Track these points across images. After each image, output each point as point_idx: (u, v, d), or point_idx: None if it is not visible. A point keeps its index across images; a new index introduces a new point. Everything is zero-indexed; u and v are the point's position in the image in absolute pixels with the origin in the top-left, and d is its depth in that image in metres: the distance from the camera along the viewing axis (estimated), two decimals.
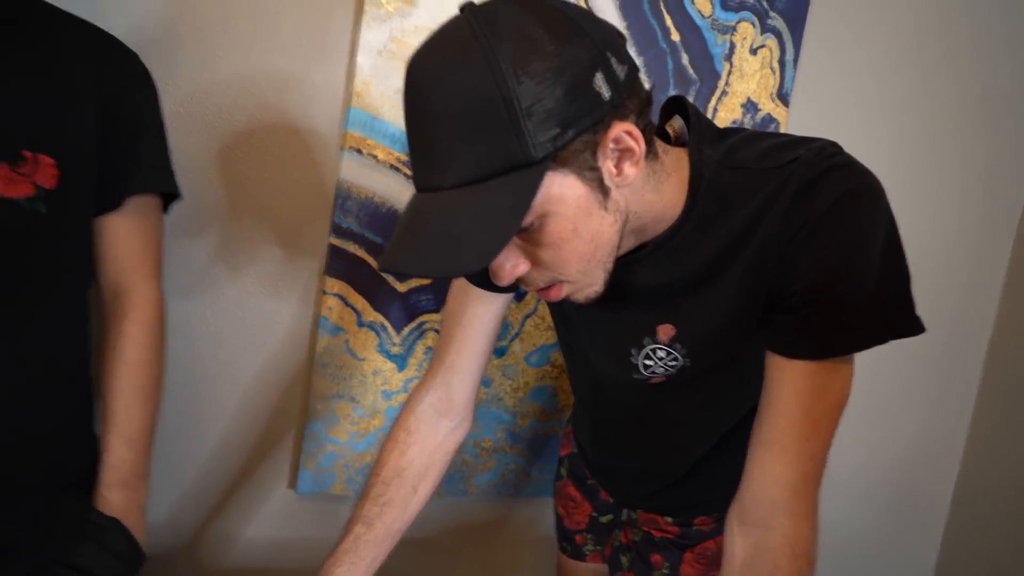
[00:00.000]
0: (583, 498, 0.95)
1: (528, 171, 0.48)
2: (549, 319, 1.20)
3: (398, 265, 0.50)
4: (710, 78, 1.19)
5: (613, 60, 0.51)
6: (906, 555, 1.65)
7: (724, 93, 1.19)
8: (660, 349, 0.65)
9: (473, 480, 1.23)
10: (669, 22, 1.15)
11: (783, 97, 1.23)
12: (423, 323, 1.15)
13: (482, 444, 1.22)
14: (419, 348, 1.15)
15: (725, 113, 1.20)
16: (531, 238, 0.54)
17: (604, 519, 0.93)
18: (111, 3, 0.91)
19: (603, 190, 0.53)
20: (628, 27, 1.14)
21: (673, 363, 0.65)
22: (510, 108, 0.47)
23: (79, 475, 0.75)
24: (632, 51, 1.14)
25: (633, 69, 0.53)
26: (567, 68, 0.48)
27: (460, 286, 0.75)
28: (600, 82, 0.49)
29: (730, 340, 0.63)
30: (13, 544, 0.66)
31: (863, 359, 0.57)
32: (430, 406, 0.76)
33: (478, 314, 0.74)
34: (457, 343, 0.75)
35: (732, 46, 1.18)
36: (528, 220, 0.51)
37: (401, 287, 1.13)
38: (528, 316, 1.20)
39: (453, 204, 0.49)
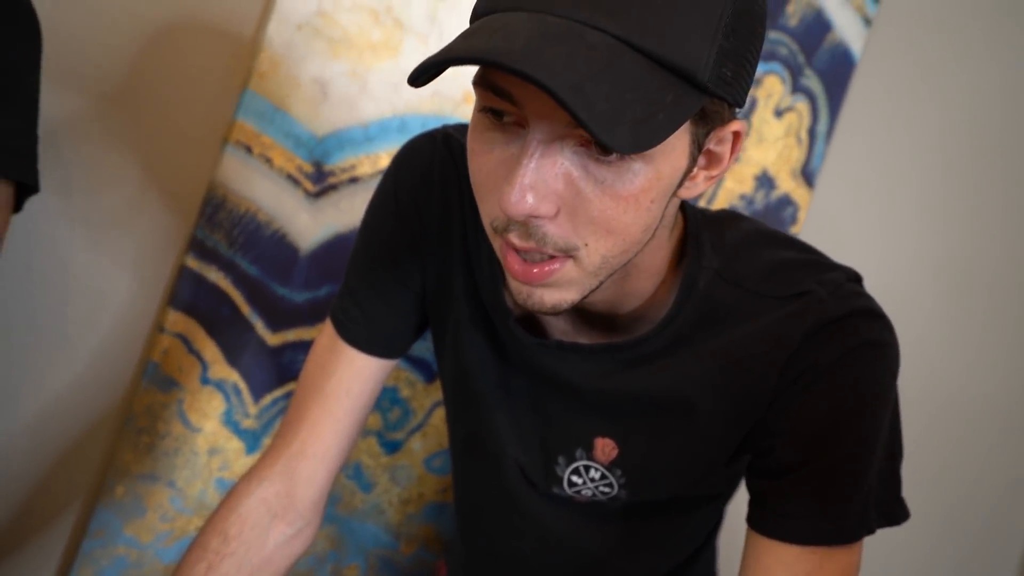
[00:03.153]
0: None
1: (691, 88, 0.39)
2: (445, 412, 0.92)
3: (526, 56, 0.34)
4: None
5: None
6: None
7: (736, 159, 0.96)
8: (594, 468, 0.56)
9: None
10: None
11: (807, 176, 1.00)
12: (292, 393, 0.85)
13: (344, 573, 0.90)
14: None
15: (733, 184, 0.97)
16: (604, 176, 0.40)
17: None
18: None
19: (680, 182, 0.44)
20: None
21: (607, 489, 0.57)
22: (723, 9, 0.39)
23: None
24: None
25: None
26: (756, 38, 0.42)
27: (327, 342, 0.62)
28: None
29: (682, 482, 0.56)
30: None
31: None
32: (262, 503, 0.59)
33: (347, 382, 0.60)
34: (313, 419, 0.60)
35: (753, 102, 0.95)
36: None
37: (273, 339, 0.84)
38: (438, 405, 0.91)
39: (622, 53, 0.36)
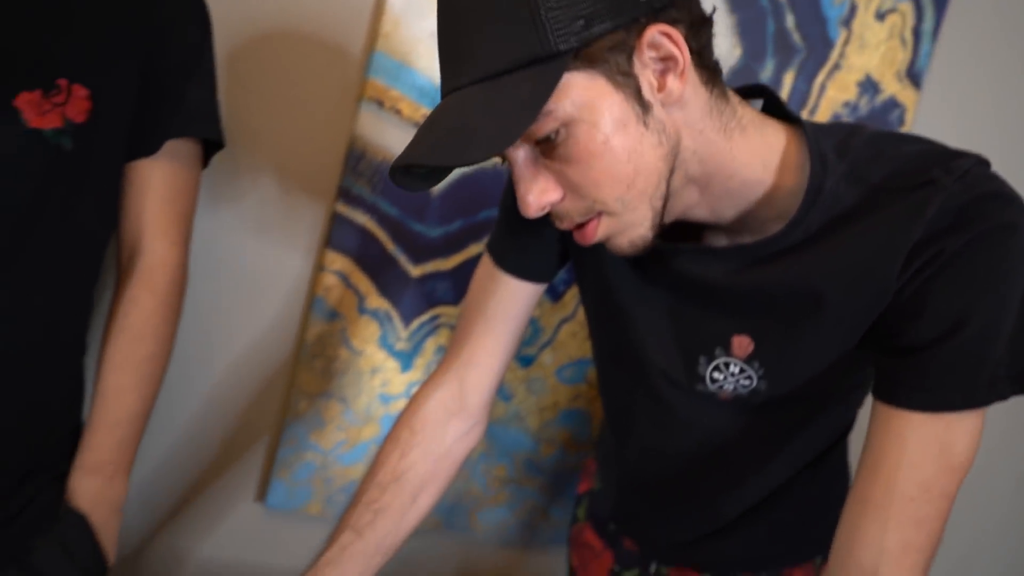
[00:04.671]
0: (604, 547, 0.80)
1: (548, 64, 0.46)
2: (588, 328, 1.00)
3: (402, 158, 0.48)
4: (820, 47, 0.96)
5: None
6: None
7: (837, 67, 0.97)
8: (733, 363, 0.59)
9: (479, 516, 1.03)
10: None
11: (914, 77, 0.99)
12: (437, 316, 0.96)
13: (494, 472, 1.01)
14: (429, 346, 0.96)
15: (836, 92, 0.98)
16: (559, 154, 0.50)
17: (627, 575, 0.78)
18: None
19: (642, 103, 0.49)
20: None
21: (746, 382, 0.59)
22: None
23: (55, 460, 0.70)
24: (723, 8, 0.94)
25: None
26: None
27: (486, 271, 0.70)
28: None
29: (818, 373, 0.57)
30: None
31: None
32: (440, 404, 0.69)
33: (505, 304, 0.68)
34: (477, 335, 0.69)
35: (853, 8, 0.95)
36: (551, 125, 0.48)
37: (416, 271, 0.94)
38: (564, 321, 0.99)
39: (470, 98, 0.48)
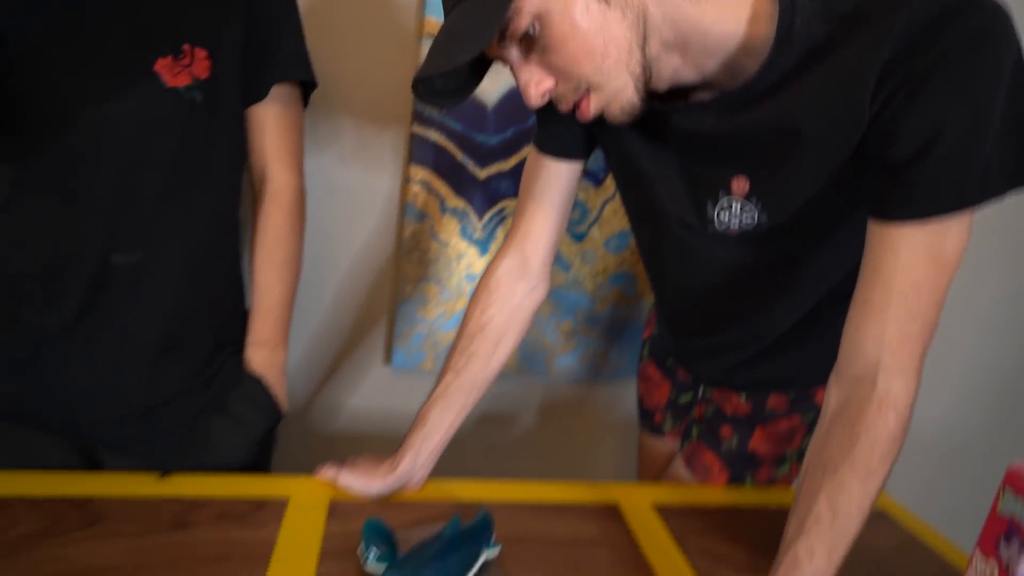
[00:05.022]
0: (663, 378, 0.97)
1: None
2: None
3: (417, 74, 0.54)
4: None
5: None
6: (1012, 456, 1.57)
7: None
8: (735, 203, 0.63)
9: (554, 361, 1.29)
10: None
11: None
12: (503, 209, 1.18)
13: (562, 327, 1.26)
14: (500, 233, 1.19)
15: None
16: (540, 46, 0.55)
17: (682, 399, 0.95)
18: None
19: None
20: None
21: (749, 218, 0.64)
22: None
23: (234, 337, 0.83)
24: None
25: None
26: None
27: (532, 160, 0.78)
28: None
29: (811, 200, 0.60)
30: (179, 393, 0.77)
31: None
32: (508, 270, 0.80)
33: (549, 184, 0.77)
34: (530, 213, 0.79)
35: None
36: (526, 21, 0.53)
37: (482, 173, 1.15)
38: (607, 202, 1.20)
39: (456, 15, 0.54)
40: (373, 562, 0.56)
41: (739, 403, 0.85)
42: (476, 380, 0.77)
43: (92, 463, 0.77)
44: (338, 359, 1.25)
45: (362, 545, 0.57)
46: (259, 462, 0.84)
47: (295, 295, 0.87)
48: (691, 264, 0.74)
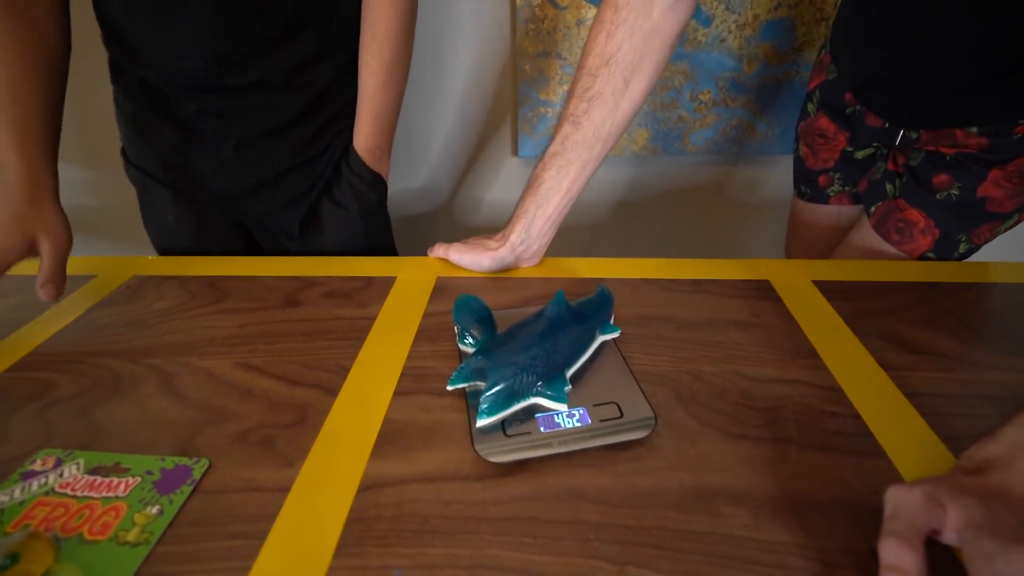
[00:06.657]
0: (838, 130, 0.82)
1: None
2: None
3: None
4: None
5: None
6: None
7: None
8: None
9: (690, 138, 1.16)
10: None
11: None
12: None
13: (700, 97, 1.12)
14: None
15: None
16: None
17: (860, 154, 0.82)
18: None
19: None
20: None
21: None
22: None
23: (340, 115, 0.84)
24: None
25: None
26: None
27: None
28: None
29: None
30: (288, 169, 0.83)
31: None
32: None
33: None
34: None
35: None
36: None
37: None
38: None
39: None
40: (468, 343, 0.54)
41: (968, 139, 0.69)
42: (600, 132, 0.63)
43: (247, 235, 0.89)
44: (474, 154, 1.24)
45: (456, 325, 0.56)
46: (380, 245, 0.87)
47: (400, 103, 0.84)
48: None
